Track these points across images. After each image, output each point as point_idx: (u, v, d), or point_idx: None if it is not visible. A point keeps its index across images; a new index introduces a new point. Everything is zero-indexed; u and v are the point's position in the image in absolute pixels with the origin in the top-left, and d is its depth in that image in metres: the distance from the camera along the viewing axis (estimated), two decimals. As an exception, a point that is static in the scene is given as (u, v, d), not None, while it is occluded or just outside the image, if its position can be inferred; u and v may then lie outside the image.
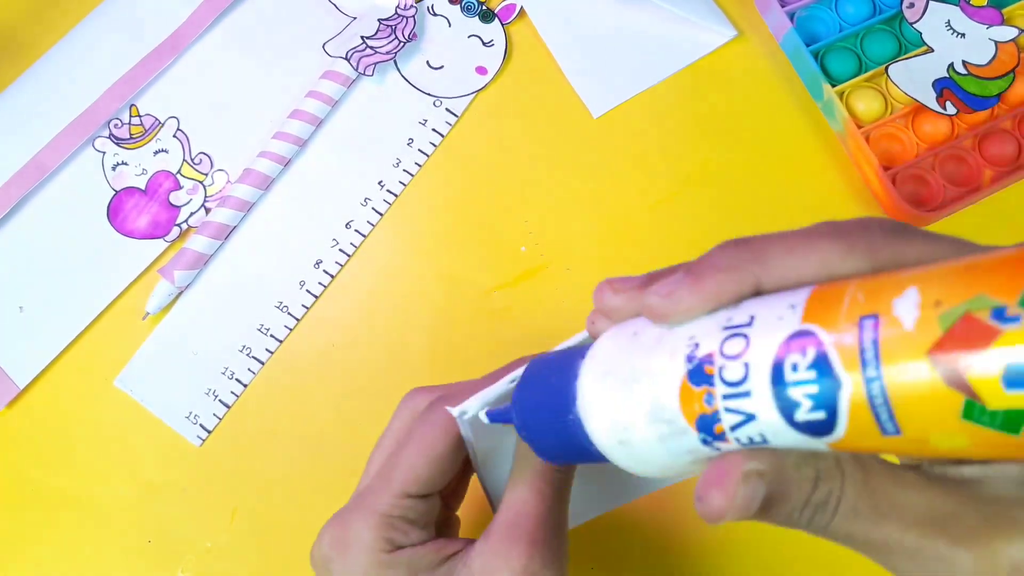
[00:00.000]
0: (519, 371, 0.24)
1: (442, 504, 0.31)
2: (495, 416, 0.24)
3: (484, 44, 0.46)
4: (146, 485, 0.40)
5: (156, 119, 0.45)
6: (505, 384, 0.25)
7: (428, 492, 0.27)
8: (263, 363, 0.42)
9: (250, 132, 0.44)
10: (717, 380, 0.16)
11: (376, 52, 0.44)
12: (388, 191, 0.44)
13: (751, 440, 0.17)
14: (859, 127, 0.42)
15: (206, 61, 0.45)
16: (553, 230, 0.43)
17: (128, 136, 0.44)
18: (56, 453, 0.41)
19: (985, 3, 0.43)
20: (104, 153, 0.44)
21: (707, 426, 0.17)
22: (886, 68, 0.42)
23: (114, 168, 0.44)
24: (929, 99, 0.42)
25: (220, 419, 0.41)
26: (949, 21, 0.43)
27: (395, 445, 0.29)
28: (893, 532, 0.17)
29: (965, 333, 0.13)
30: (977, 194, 0.41)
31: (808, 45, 0.43)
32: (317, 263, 0.43)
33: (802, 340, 0.15)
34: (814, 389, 0.15)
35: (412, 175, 0.44)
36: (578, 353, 0.21)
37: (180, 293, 0.42)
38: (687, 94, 0.45)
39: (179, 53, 0.45)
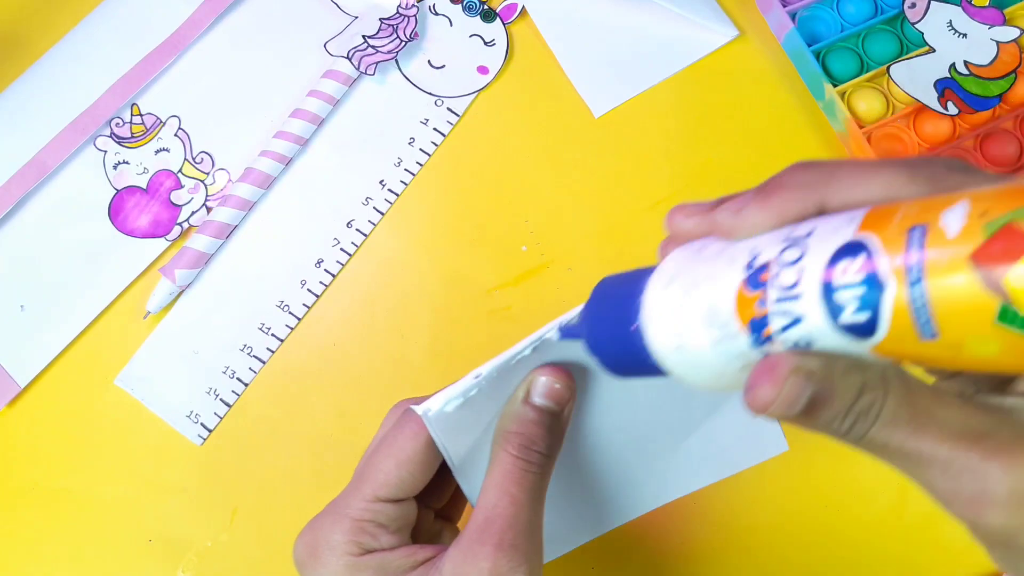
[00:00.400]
0: (483, 366, 0.24)
1: (434, 514, 0.31)
2: (567, 332, 0.25)
3: (485, 43, 0.46)
4: (147, 484, 0.40)
5: (157, 118, 0.45)
6: (470, 379, 0.25)
7: (400, 496, 0.27)
8: (264, 362, 0.42)
9: (251, 131, 0.44)
10: (771, 285, 0.17)
11: (377, 51, 0.44)
12: (389, 190, 0.44)
13: (796, 344, 0.17)
14: (860, 127, 0.42)
15: (207, 60, 0.45)
16: (554, 229, 0.43)
17: (129, 135, 0.44)
18: (57, 452, 0.41)
19: (987, 3, 0.43)
20: (105, 152, 0.44)
21: (757, 328, 0.18)
22: (888, 68, 0.42)
23: (115, 167, 0.44)
24: (931, 99, 0.42)
25: (221, 418, 0.41)
26: (951, 21, 0.43)
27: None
28: (929, 443, 0.17)
29: (1006, 241, 0.14)
30: (978, 194, 0.41)
31: (810, 45, 0.43)
32: (318, 262, 0.43)
33: (854, 247, 0.16)
34: (860, 291, 0.16)
35: (413, 174, 0.44)
36: (647, 271, 0.22)
37: (181, 292, 0.42)
38: (688, 94, 0.45)
39: (180, 52, 0.45)
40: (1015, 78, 0.42)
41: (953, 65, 0.42)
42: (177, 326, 0.42)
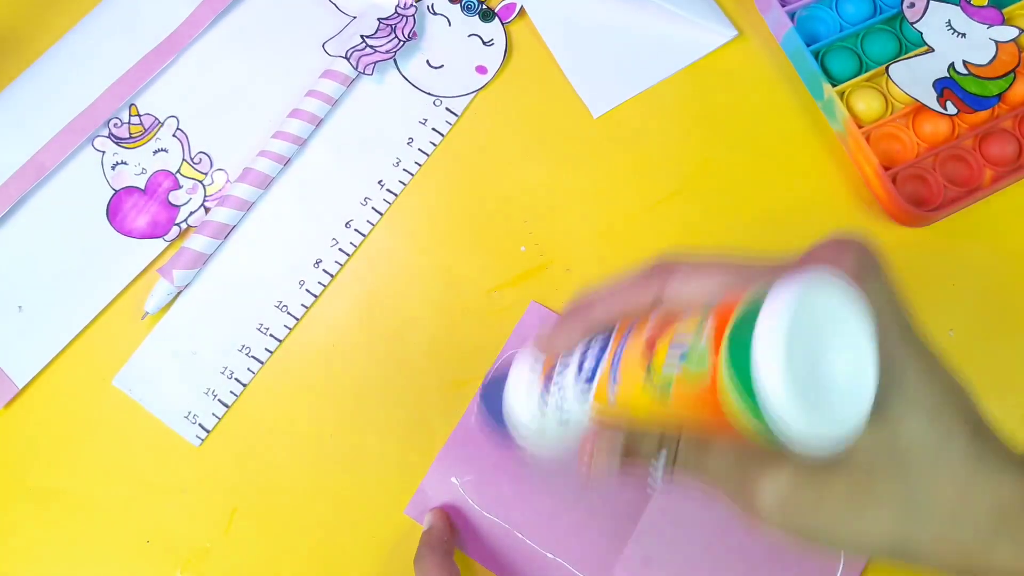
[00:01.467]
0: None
1: None
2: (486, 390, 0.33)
3: (484, 43, 0.46)
4: (145, 485, 0.40)
5: (155, 118, 0.44)
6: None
7: None
8: (263, 363, 0.41)
9: (250, 131, 0.44)
10: (558, 369, 0.26)
11: (376, 51, 0.44)
12: (388, 190, 0.44)
13: (561, 389, 0.25)
14: (859, 127, 0.42)
15: (206, 60, 0.45)
16: (553, 230, 0.43)
17: (127, 135, 0.44)
18: (55, 453, 0.41)
19: (986, 3, 0.43)
20: (103, 152, 0.44)
21: (545, 390, 0.26)
22: (887, 68, 0.42)
23: (113, 167, 0.44)
24: (930, 99, 0.42)
25: (219, 419, 0.41)
26: (950, 21, 0.43)
27: None
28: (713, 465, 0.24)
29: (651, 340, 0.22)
30: (977, 194, 0.41)
31: (808, 45, 0.43)
32: (317, 262, 0.43)
33: (604, 339, 0.25)
34: (592, 360, 0.24)
35: (412, 174, 0.44)
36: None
37: (179, 293, 0.42)
38: (687, 94, 0.45)
39: (179, 52, 0.45)
40: (1014, 78, 0.42)
41: (952, 65, 0.42)
42: (175, 327, 0.42)
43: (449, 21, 0.46)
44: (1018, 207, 0.43)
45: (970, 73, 0.42)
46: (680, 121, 0.45)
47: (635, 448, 0.25)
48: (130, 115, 0.44)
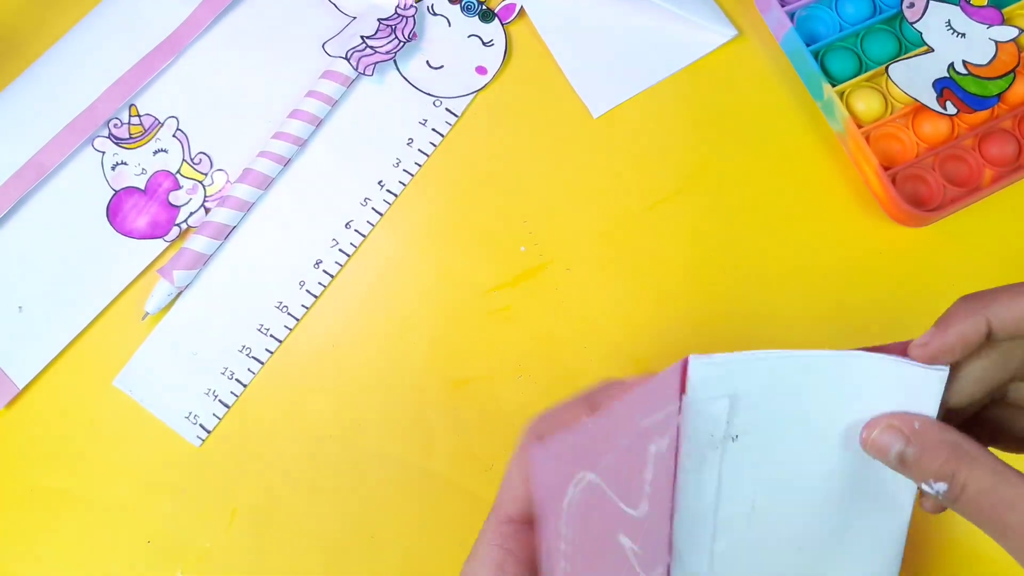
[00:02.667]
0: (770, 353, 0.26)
1: None
2: None
3: (484, 44, 0.46)
4: (145, 485, 0.40)
5: (155, 119, 0.44)
6: (751, 355, 0.27)
7: (530, 514, 0.26)
8: (263, 363, 0.41)
9: (250, 132, 0.44)
10: None
11: (376, 52, 0.44)
12: (388, 191, 0.44)
13: None
14: (859, 127, 0.42)
15: (206, 61, 0.45)
16: (553, 230, 0.43)
17: (127, 136, 0.44)
18: (55, 453, 0.41)
19: (985, 3, 0.43)
20: (103, 153, 0.44)
21: None
22: (886, 68, 0.42)
23: (113, 168, 0.44)
24: (929, 99, 0.42)
25: (220, 419, 0.41)
26: (949, 21, 0.43)
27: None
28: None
29: None
30: (977, 194, 0.41)
31: (808, 45, 0.43)
32: (317, 263, 0.43)
33: None
34: None
35: (412, 175, 0.44)
36: None
37: (179, 293, 0.42)
38: (687, 94, 0.45)
39: (179, 53, 0.45)
40: (1014, 77, 0.42)
41: (952, 65, 0.42)
42: (175, 327, 0.42)
43: (449, 22, 0.46)
44: (1018, 207, 0.43)
45: (970, 73, 0.42)
46: (680, 121, 0.45)
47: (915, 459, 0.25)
48: (130, 115, 0.44)
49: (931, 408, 0.26)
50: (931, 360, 0.26)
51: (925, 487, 0.25)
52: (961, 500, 0.24)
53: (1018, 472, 0.24)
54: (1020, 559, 0.23)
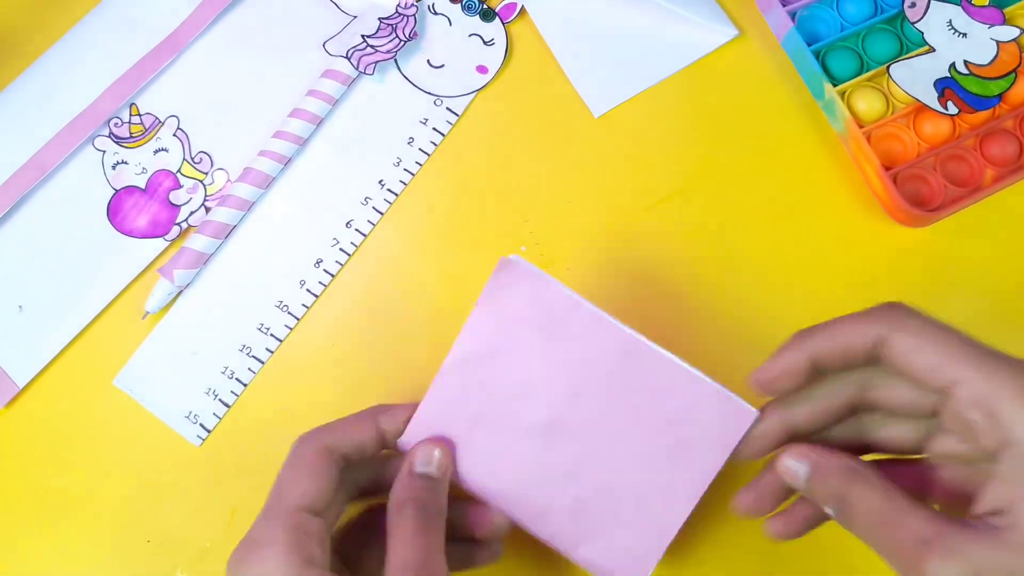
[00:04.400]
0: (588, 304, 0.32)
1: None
2: None
3: (485, 43, 0.46)
4: (145, 485, 0.40)
5: (156, 118, 0.44)
6: (572, 292, 0.33)
7: (318, 508, 0.30)
8: (263, 362, 0.41)
9: (250, 131, 0.44)
10: None
11: (376, 51, 0.44)
12: (388, 190, 0.44)
13: None
14: (860, 127, 0.42)
15: (206, 60, 0.45)
16: (553, 229, 0.43)
17: (128, 135, 0.44)
18: (55, 453, 0.41)
19: (987, 3, 0.43)
20: (104, 152, 0.44)
21: None
22: (887, 68, 0.42)
23: (114, 167, 0.44)
24: (930, 99, 0.42)
25: (220, 419, 0.41)
26: (951, 21, 0.43)
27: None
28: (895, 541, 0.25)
29: None
30: (978, 194, 0.41)
31: (809, 44, 0.43)
32: (317, 262, 0.43)
33: None
34: None
35: (413, 174, 0.44)
36: None
37: (180, 292, 0.42)
38: (688, 94, 0.45)
39: (179, 52, 0.45)
40: (1015, 77, 0.42)
41: (953, 64, 0.42)
42: (176, 326, 0.42)
43: (450, 21, 0.46)
44: (1019, 207, 0.43)
45: (971, 73, 0.42)
46: (680, 121, 0.45)
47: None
48: (130, 115, 0.44)
49: (734, 439, 0.30)
50: (762, 388, 0.29)
51: (827, 509, 0.27)
52: (852, 519, 0.26)
53: (904, 492, 0.26)
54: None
